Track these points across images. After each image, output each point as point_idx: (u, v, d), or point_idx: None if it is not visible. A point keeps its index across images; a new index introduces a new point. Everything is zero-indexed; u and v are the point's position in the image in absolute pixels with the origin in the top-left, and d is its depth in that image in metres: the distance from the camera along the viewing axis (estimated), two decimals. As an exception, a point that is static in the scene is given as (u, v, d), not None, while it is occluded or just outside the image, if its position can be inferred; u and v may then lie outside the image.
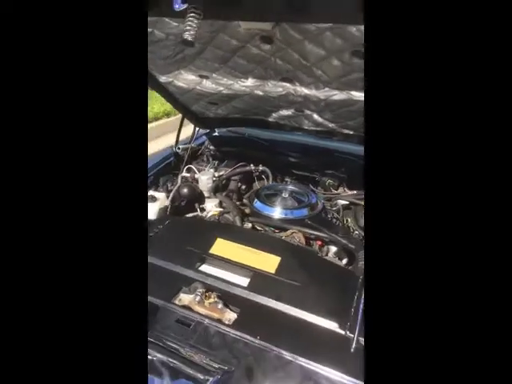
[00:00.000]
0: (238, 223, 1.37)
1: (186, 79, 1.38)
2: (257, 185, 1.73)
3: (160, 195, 1.42)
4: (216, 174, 1.66)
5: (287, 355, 0.84)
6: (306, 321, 0.91)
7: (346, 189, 1.66)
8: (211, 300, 0.96)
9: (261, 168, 1.70)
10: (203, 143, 1.99)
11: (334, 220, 1.48)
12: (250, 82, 1.31)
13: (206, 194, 1.60)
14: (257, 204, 1.47)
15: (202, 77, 1.35)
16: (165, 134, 4.31)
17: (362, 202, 1.50)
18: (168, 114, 5.35)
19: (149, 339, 0.86)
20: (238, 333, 0.89)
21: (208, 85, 1.40)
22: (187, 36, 0.78)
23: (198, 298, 0.96)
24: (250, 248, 1.14)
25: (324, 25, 0.89)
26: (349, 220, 1.48)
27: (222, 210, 1.46)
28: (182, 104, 1.67)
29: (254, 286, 1.01)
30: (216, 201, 1.51)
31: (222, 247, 1.14)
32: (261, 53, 1.09)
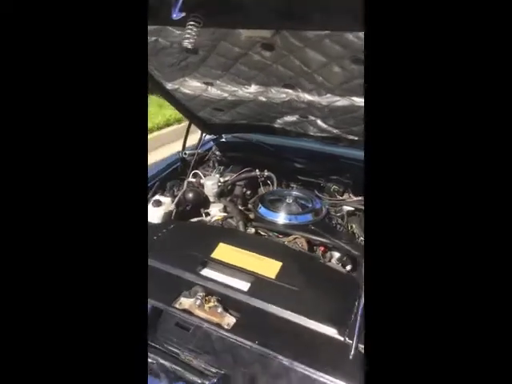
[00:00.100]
0: (241, 228, 1.38)
1: (191, 86, 1.41)
2: (262, 190, 1.73)
3: (165, 200, 1.44)
4: (221, 180, 1.67)
5: (285, 360, 0.84)
6: (304, 326, 0.91)
7: (351, 195, 1.65)
8: (211, 304, 0.97)
9: (266, 173, 1.70)
10: (210, 149, 2.01)
11: (339, 226, 1.47)
12: (253, 88, 1.32)
13: (211, 199, 1.61)
14: (261, 209, 1.47)
15: (206, 84, 1.37)
16: (179, 139, 4.33)
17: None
18: (179, 120, 5.41)
19: (149, 342, 0.87)
20: (236, 337, 0.89)
21: (213, 91, 1.42)
22: (186, 43, 0.81)
23: (198, 302, 0.96)
24: (251, 253, 1.14)
25: (322, 32, 0.90)
26: (354, 226, 1.47)
27: (225, 214, 1.47)
28: (189, 110, 1.69)
29: (254, 290, 1.01)
30: (221, 206, 1.53)
31: (223, 252, 1.15)
32: (262, 60, 1.11)
